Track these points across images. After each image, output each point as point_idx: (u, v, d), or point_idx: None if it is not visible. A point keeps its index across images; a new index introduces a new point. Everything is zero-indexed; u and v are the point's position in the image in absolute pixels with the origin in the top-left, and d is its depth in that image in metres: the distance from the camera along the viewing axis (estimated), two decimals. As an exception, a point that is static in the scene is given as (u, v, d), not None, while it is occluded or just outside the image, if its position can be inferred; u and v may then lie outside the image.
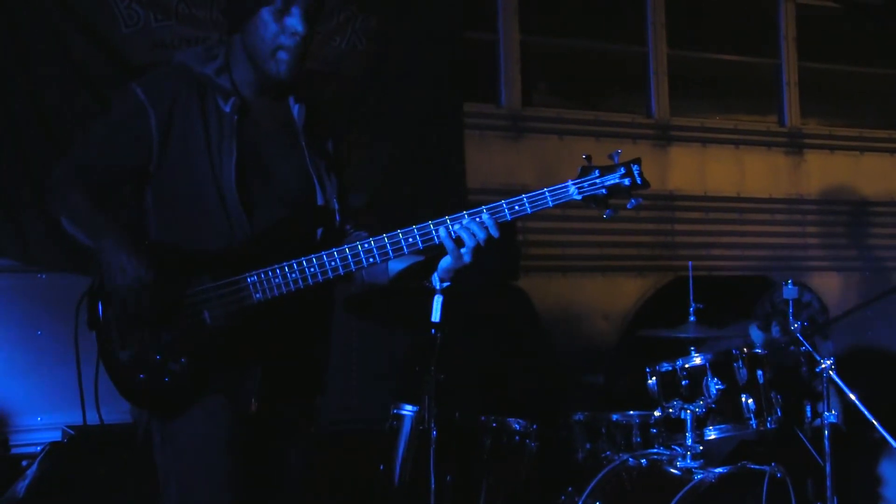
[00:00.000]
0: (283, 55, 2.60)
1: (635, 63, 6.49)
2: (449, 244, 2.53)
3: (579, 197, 2.54)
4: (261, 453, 2.69)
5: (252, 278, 2.53)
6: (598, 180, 2.54)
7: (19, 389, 4.75)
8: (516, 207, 2.53)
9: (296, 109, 2.73)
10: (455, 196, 5.54)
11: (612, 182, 2.54)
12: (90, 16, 4.91)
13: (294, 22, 2.58)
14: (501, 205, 2.53)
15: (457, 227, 2.53)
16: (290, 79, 2.64)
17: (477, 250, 2.54)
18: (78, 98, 4.85)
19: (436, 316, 2.61)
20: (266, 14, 2.58)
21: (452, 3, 5.74)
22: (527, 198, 2.53)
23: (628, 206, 2.58)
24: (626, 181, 2.55)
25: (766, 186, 6.65)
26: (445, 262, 2.62)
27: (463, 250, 2.54)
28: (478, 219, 2.52)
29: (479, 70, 6.01)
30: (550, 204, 2.53)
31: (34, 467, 4.26)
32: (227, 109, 2.61)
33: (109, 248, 2.47)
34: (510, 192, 2.57)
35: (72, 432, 4.41)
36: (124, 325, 2.51)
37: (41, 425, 4.67)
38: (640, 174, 2.56)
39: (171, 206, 2.62)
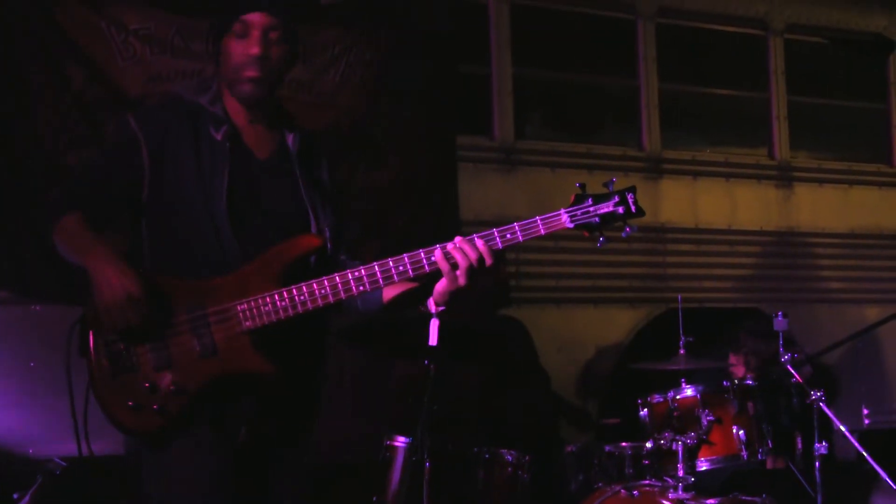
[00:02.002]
0: (245, 76, 2.64)
1: (627, 96, 6.55)
2: (444, 265, 2.54)
3: (571, 225, 2.55)
4: (252, 484, 2.68)
5: (242, 306, 2.54)
6: (591, 208, 2.56)
7: (12, 421, 4.74)
8: (507, 235, 2.54)
9: (290, 138, 2.76)
10: (449, 227, 5.56)
11: (605, 210, 2.56)
12: (88, 47, 4.95)
13: (250, 44, 2.63)
14: (493, 233, 2.55)
15: (450, 247, 2.54)
16: (256, 99, 2.67)
17: (471, 273, 2.54)
18: (75, 128, 4.89)
19: (433, 340, 2.61)
20: (228, 42, 2.65)
21: (447, 36, 5.80)
22: (518, 226, 2.54)
23: (623, 234, 2.58)
24: (621, 209, 2.56)
25: (757, 219, 6.69)
26: (440, 285, 2.61)
27: (458, 272, 2.55)
28: (469, 239, 2.54)
29: (473, 103, 6.06)
30: (542, 232, 2.54)
31: (26, 499, 4.24)
32: (219, 137, 2.65)
33: (98, 263, 2.49)
34: (503, 223, 2.59)
35: (64, 464, 4.40)
36: (113, 349, 2.52)
37: (34, 457, 4.66)
38: (635, 202, 2.57)
39: (165, 233, 2.64)
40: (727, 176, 6.66)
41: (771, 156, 6.86)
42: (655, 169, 6.42)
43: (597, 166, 6.16)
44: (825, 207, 6.90)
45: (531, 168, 6.06)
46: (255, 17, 2.63)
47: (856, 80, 7.31)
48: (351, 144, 5.48)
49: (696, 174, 6.57)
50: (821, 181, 6.93)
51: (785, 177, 6.82)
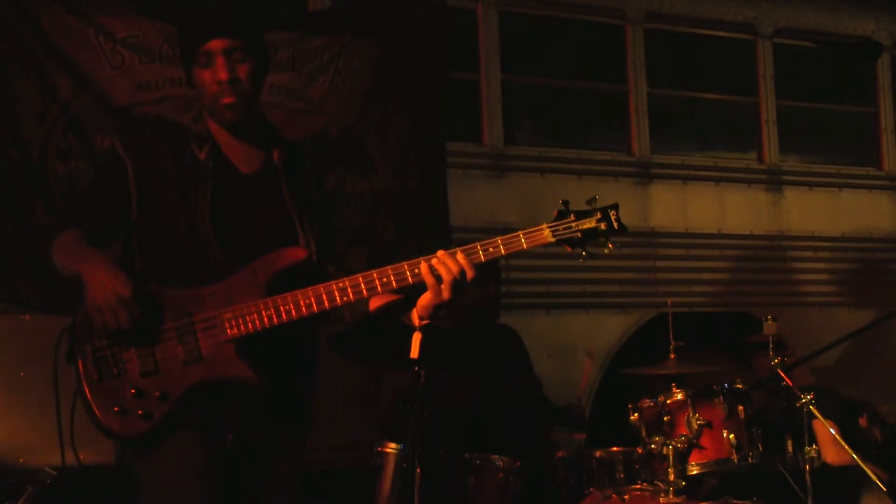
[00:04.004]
0: (222, 104, 2.66)
1: (616, 102, 6.57)
2: (429, 279, 2.57)
3: (553, 240, 2.58)
4: (242, 489, 2.69)
5: (227, 314, 2.57)
6: (573, 224, 2.59)
7: (2, 431, 4.73)
8: (490, 249, 2.57)
9: (276, 152, 2.78)
10: (438, 234, 5.57)
11: (587, 227, 2.59)
12: (76, 56, 4.96)
13: (216, 72, 2.64)
14: (475, 246, 2.57)
15: (434, 261, 2.57)
16: (240, 122, 2.70)
17: (456, 286, 2.57)
18: (63, 138, 4.88)
19: (415, 353, 2.63)
20: (197, 73, 2.68)
21: (437, 42, 5.81)
22: (501, 240, 2.57)
23: (605, 251, 2.61)
24: (603, 226, 2.59)
25: (747, 223, 6.71)
26: (424, 298, 2.63)
27: (442, 286, 2.57)
28: (452, 253, 2.57)
29: (462, 109, 6.07)
30: (525, 246, 2.57)
31: (17, 510, 4.24)
32: (202, 157, 2.68)
33: (91, 267, 2.54)
34: (493, 230, 2.62)
35: (55, 474, 4.39)
36: (100, 355, 2.55)
37: (24, 467, 4.65)
38: (618, 219, 2.60)
39: (153, 250, 2.68)
40: (717, 180, 6.68)
41: (760, 160, 6.89)
42: (645, 174, 6.44)
43: (586, 171, 6.18)
44: (815, 211, 6.92)
45: (521, 174, 6.07)
46: (214, 44, 2.64)
47: (844, 84, 7.34)
48: (339, 151, 5.49)
49: (686, 178, 6.58)
50: (810, 185, 6.96)
51: (774, 181, 6.84)
